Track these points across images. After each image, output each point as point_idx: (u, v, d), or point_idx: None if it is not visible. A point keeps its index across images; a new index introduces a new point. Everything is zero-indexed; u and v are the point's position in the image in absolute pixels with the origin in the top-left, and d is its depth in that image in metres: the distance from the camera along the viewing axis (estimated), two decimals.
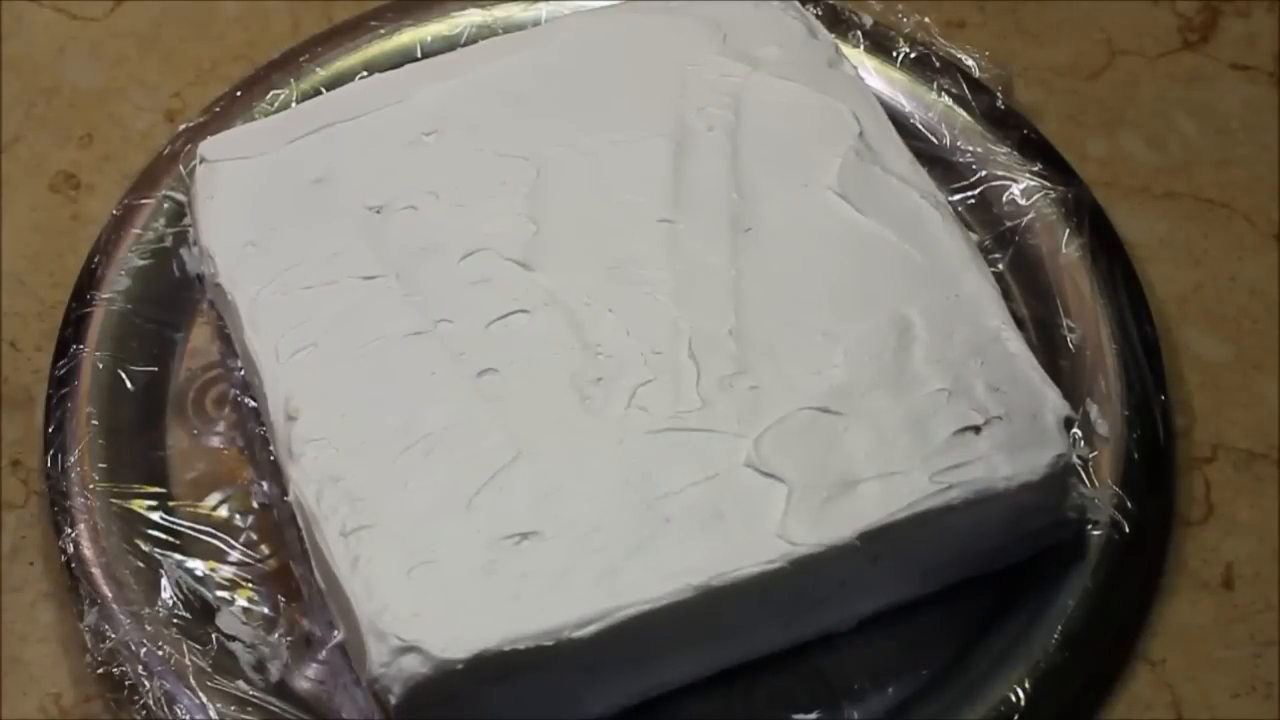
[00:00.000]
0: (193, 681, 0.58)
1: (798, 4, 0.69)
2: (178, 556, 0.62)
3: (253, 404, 0.62)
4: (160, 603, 0.60)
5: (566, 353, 0.59)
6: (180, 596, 0.60)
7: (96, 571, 0.60)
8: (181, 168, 0.69)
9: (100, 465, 0.63)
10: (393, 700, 0.53)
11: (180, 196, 0.68)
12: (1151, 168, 0.73)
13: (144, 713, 0.58)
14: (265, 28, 0.78)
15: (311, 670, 0.60)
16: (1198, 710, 0.60)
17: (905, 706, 0.59)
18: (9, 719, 0.61)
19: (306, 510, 0.56)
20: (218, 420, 0.65)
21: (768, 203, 0.63)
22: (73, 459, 0.63)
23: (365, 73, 0.71)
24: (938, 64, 0.72)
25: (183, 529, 0.62)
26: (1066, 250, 0.67)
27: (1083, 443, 0.62)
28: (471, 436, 0.57)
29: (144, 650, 0.59)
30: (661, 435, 0.57)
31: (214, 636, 0.60)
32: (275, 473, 0.60)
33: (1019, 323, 0.62)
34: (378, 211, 0.63)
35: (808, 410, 0.58)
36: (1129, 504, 0.61)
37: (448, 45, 0.72)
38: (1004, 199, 0.68)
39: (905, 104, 0.71)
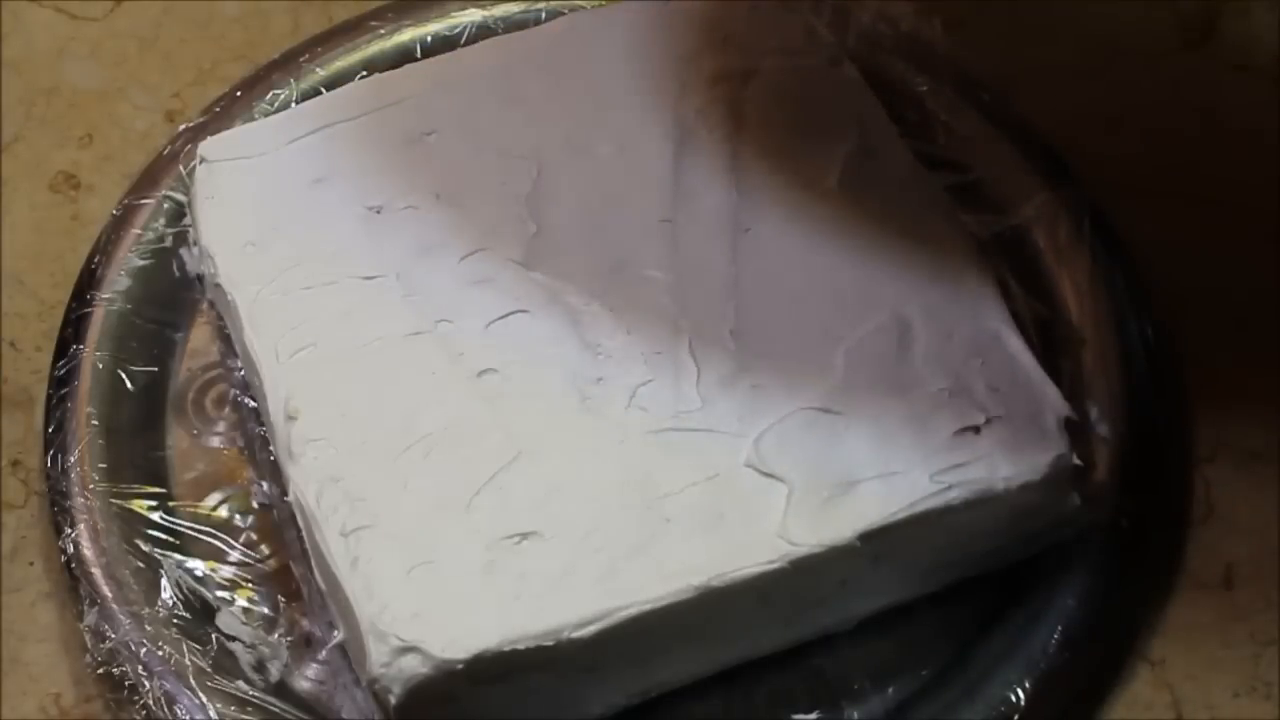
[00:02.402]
0: (193, 681, 0.58)
1: (798, 4, 0.69)
2: (178, 556, 0.62)
3: (253, 404, 0.62)
4: (160, 603, 0.60)
5: (566, 353, 0.59)
6: (180, 596, 0.60)
7: (96, 571, 0.60)
8: (181, 168, 0.69)
9: (100, 465, 0.63)
10: (393, 700, 0.53)
11: (180, 196, 0.68)
12: (1151, 168, 0.73)
13: (144, 713, 0.58)
14: (265, 28, 0.78)
15: (311, 670, 0.60)
16: (1198, 710, 0.60)
17: (905, 706, 0.59)
18: (9, 719, 0.61)
19: (306, 510, 0.56)
20: (218, 420, 0.65)
21: (768, 203, 0.63)
22: (73, 459, 0.63)
23: (365, 73, 0.71)
24: (938, 63, 0.72)
25: (183, 529, 0.62)
26: (1066, 250, 0.67)
27: (1083, 443, 0.61)
28: (471, 436, 0.57)
29: (144, 650, 0.59)
30: (662, 435, 0.57)
31: (214, 636, 0.60)
32: (275, 473, 0.60)
33: (1019, 323, 0.62)
34: (378, 211, 0.63)
35: (808, 410, 0.58)
36: (1129, 504, 0.61)
37: (448, 45, 0.72)
38: (1004, 199, 0.68)
39: (905, 104, 0.71)
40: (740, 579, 0.54)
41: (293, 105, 0.70)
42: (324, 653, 0.59)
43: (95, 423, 0.64)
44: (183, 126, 0.71)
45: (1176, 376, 0.66)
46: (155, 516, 0.62)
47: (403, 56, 0.72)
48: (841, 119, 0.65)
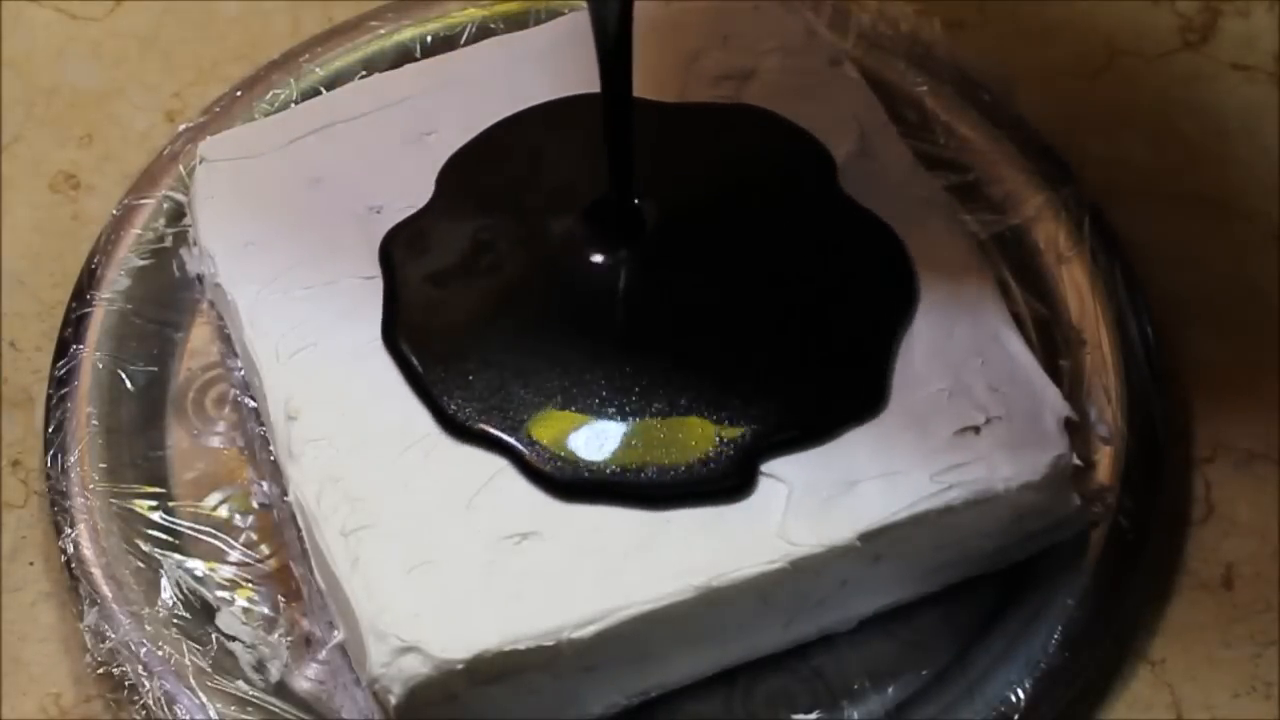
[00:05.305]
0: (193, 681, 0.58)
1: (798, 4, 0.69)
2: (178, 556, 0.62)
3: (253, 404, 0.62)
4: (160, 603, 0.60)
5: None
6: (180, 596, 0.61)
7: (96, 571, 0.60)
8: (181, 168, 0.69)
9: (100, 465, 0.63)
10: (393, 701, 0.53)
11: (180, 196, 0.68)
12: (1151, 168, 0.73)
13: (144, 713, 0.58)
14: (265, 28, 0.78)
15: (311, 670, 0.60)
16: (1198, 710, 0.60)
17: (905, 706, 0.59)
18: (9, 719, 0.61)
19: (306, 510, 0.56)
20: (218, 420, 0.65)
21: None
22: (73, 459, 0.63)
23: (365, 73, 0.71)
24: (938, 64, 0.72)
25: (183, 529, 0.62)
26: (1066, 250, 0.67)
27: (1083, 443, 0.61)
28: None
29: (144, 650, 0.59)
30: None
31: (214, 636, 0.60)
32: (275, 473, 0.60)
33: (1019, 323, 0.62)
34: (378, 211, 0.63)
35: None
36: (1129, 504, 0.61)
37: (448, 45, 0.72)
38: (1004, 199, 0.68)
39: (905, 104, 0.71)
40: (740, 579, 0.54)
41: (293, 105, 0.70)
42: (324, 653, 0.59)
43: (95, 423, 0.64)
44: (183, 126, 0.71)
45: (1176, 376, 0.66)
46: (155, 516, 0.62)
47: (403, 56, 0.72)
48: (841, 119, 0.65)
